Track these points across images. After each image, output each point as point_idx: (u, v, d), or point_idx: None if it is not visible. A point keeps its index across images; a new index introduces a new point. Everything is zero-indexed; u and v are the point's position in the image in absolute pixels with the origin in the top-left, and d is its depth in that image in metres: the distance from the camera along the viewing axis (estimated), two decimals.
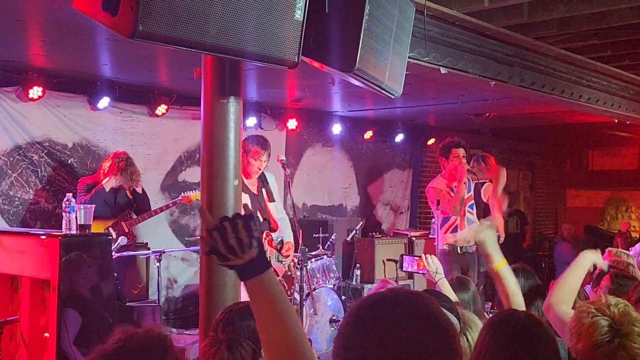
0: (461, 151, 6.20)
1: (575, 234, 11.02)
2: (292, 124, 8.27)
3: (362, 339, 1.31)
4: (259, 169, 5.27)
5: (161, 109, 6.98)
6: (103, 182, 5.95)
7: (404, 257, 3.81)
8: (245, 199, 5.11)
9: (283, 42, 2.82)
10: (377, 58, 3.26)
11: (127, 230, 5.99)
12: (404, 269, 3.81)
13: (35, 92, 5.97)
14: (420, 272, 3.67)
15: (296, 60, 2.89)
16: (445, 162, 6.30)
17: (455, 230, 6.29)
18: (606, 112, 7.42)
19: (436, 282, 3.49)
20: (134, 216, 6.12)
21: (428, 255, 3.58)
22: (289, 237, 5.60)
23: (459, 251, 6.26)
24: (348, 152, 9.51)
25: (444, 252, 6.22)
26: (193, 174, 7.49)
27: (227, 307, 2.59)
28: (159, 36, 2.45)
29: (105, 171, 5.99)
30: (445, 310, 1.43)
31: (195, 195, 6.30)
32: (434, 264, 3.53)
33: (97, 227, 5.35)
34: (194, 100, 6.79)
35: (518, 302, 3.02)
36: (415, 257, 3.75)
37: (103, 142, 6.77)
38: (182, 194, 6.37)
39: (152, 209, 6.23)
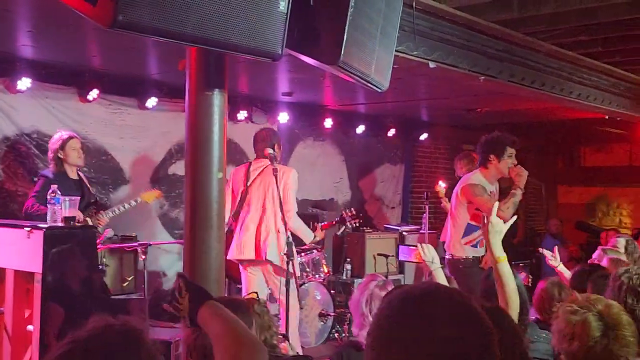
0: (514, 152, 5.48)
1: (561, 230, 11.03)
2: (283, 117, 8.24)
3: (401, 335, 1.26)
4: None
5: (151, 101, 6.94)
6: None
7: (400, 247, 3.84)
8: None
9: (266, 33, 2.79)
10: (362, 51, 3.24)
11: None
12: (400, 259, 3.84)
13: (24, 83, 5.93)
14: (416, 261, 3.67)
15: (280, 52, 2.87)
16: (495, 159, 5.40)
17: (476, 245, 5.44)
18: (597, 109, 7.42)
19: (432, 272, 3.48)
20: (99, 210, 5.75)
21: (424, 245, 3.57)
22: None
23: (480, 263, 5.39)
24: (340, 147, 9.49)
25: (467, 263, 5.38)
26: (183, 167, 7.41)
27: None
28: (139, 26, 2.42)
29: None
30: None
31: (153, 194, 6.20)
32: (429, 253, 3.52)
33: None
34: (184, 92, 6.75)
35: (514, 307, 3.02)
36: (411, 247, 3.76)
37: (92, 134, 6.73)
38: (140, 193, 6.17)
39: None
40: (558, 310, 2.48)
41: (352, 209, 7.15)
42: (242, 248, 5.52)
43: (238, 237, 5.57)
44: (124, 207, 5.80)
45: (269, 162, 5.38)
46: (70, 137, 5.62)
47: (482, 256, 5.40)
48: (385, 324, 1.30)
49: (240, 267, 5.68)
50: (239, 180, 5.69)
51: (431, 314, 1.27)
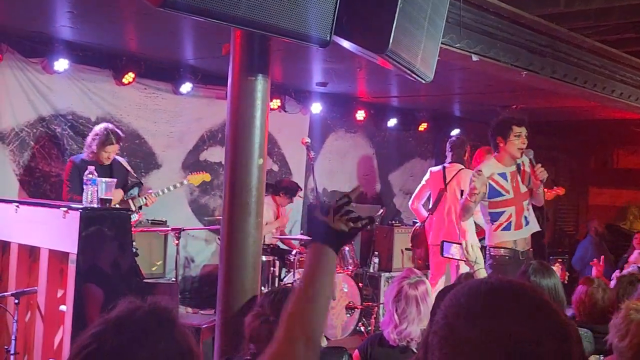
0: (524, 130, 4.86)
1: (600, 232, 10.75)
2: (316, 108, 8.18)
3: (470, 333, 1.19)
4: None
5: (186, 86, 6.93)
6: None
7: (445, 243, 3.77)
8: None
9: (316, 19, 2.74)
10: (410, 41, 3.17)
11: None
12: (444, 255, 3.77)
13: (61, 64, 5.95)
14: (460, 259, 3.63)
15: (328, 38, 2.82)
16: (502, 142, 4.87)
17: (508, 228, 4.89)
18: (638, 109, 7.26)
19: (474, 272, 3.43)
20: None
21: (469, 243, 3.51)
22: None
23: (520, 257, 4.81)
24: (371, 139, 9.42)
25: (501, 260, 4.82)
26: (214, 154, 7.46)
27: (274, 288, 2.67)
28: (189, 7, 2.39)
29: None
30: None
31: (201, 177, 6.20)
32: (473, 252, 3.47)
33: None
34: (218, 79, 6.74)
35: None
36: (456, 244, 3.71)
37: (126, 117, 6.74)
38: (189, 174, 6.21)
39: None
40: (624, 306, 2.42)
41: None
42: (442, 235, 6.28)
43: (437, 226, 6.57)
44: (172, 188, 5.87)
45: (462, 167, 6.53)
46: (111, 143, 5.35)
47: (518, 241, 4.93)
48: (454, 323, 1.23)
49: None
50: (437, 181, 6.66)
51: (502, 310, 1.19)
